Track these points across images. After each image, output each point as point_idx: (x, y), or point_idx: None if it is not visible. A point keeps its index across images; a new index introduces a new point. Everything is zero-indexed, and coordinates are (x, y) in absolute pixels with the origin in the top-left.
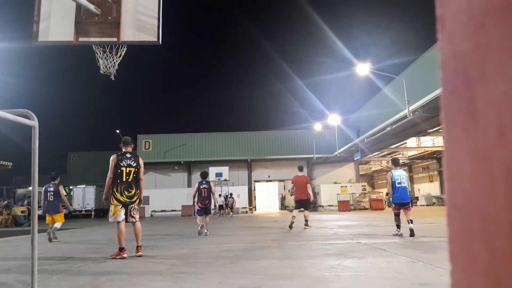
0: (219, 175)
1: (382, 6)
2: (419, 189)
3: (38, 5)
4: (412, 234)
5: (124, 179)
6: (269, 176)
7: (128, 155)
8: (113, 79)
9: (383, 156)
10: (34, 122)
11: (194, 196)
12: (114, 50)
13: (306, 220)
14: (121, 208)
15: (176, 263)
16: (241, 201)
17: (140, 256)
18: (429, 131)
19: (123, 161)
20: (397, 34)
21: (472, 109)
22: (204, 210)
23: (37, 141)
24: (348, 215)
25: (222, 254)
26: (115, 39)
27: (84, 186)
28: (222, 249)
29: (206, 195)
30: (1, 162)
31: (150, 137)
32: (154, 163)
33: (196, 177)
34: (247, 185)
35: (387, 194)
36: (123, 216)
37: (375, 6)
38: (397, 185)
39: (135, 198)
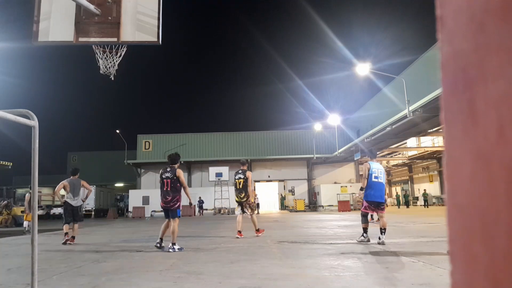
0: (219, 175)
1: (382, 6)
2: (419, 189)
3: (38, 5)
4: (382, 243)
5: (237, 187)
6: (269, 176)
7: (240, 171)
8: (113, 79)
9: (383, 156)
10: (34, 122)
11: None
12: (114, 50)
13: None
14: (237, 206)
15: (176, 263)
16: None
17: (256, 236)
18: (429, 131)
19: (236, 175)
20: (397, 34)
21: (472, 109)
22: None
23: (37, 141)
24: (348, 215)
25: (222, 254)
26: (115, 39)
27: None
28: (222, 249)
29: (168, 188)
30: (1, 162)
31: (150, 137)
32: (154, 163)
33: (196, 177)
34: None
35: (361, 188)
36: (239, 211)
37: (375, 6)
38: (373, 179)
39: (245, 199)
